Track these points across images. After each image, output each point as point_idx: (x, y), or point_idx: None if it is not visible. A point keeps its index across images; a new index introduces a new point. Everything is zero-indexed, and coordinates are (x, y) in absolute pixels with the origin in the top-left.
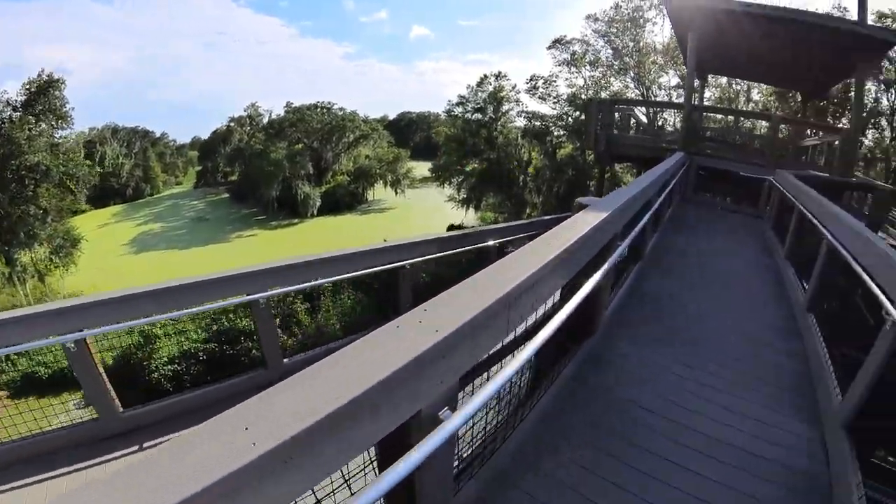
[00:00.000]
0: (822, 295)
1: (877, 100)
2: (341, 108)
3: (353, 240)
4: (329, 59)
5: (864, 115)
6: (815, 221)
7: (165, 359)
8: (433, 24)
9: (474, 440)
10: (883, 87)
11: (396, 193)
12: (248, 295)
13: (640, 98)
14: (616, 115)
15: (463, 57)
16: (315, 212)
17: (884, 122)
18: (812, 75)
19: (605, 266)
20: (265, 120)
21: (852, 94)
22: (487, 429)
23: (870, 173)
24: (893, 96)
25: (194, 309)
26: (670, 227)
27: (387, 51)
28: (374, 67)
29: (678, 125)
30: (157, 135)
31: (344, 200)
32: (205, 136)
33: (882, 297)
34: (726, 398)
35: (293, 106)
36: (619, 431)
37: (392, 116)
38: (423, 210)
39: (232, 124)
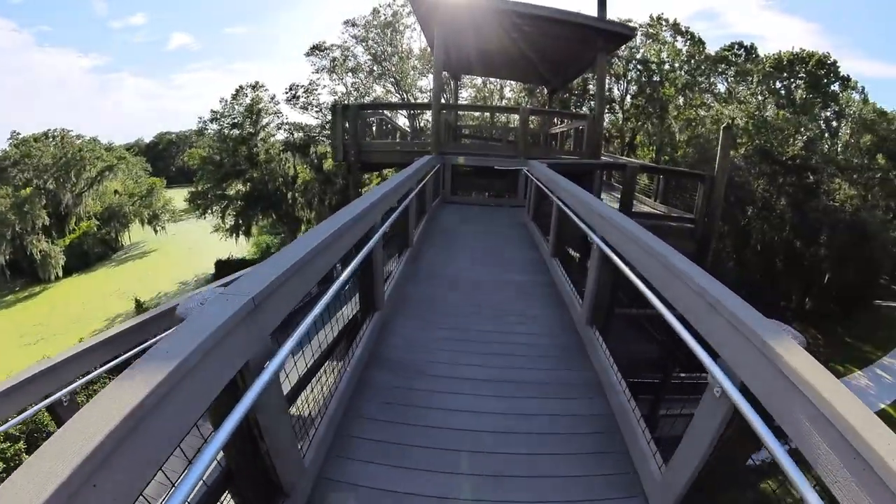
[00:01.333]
0: (602, 305)
1: (609, 90)
2: (79, 136)
3: (112, 299)
4: (72, 72)
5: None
6: (583, 225)
7: None
8: (196, 31)
9: None
10: (614, 79)
11: (156, 231)
12: None
13: (402, 102)
14: (372, 120)
15: (228, 66)
16: (60, 272)
17: (616, 107)
18: (556, 70)
19: (221, 438)
20: None
21: (591, 86)
22: None
23: (609, 148)
24: (623, 86)
25: None
26: (425, 240)
27: (143, 62)
28: (127, 82)
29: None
30: None
31: (94, 251)
32: None
33: (703, 357)
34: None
35: (19, 137)
36: None
37: (149, 139)
38: (189, 246)
39: None
